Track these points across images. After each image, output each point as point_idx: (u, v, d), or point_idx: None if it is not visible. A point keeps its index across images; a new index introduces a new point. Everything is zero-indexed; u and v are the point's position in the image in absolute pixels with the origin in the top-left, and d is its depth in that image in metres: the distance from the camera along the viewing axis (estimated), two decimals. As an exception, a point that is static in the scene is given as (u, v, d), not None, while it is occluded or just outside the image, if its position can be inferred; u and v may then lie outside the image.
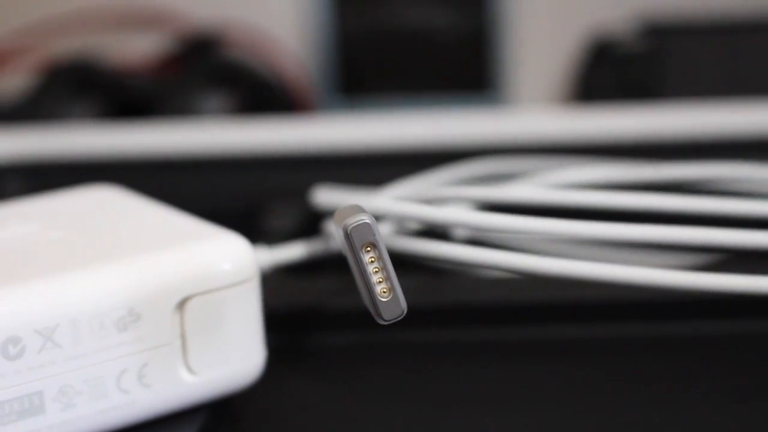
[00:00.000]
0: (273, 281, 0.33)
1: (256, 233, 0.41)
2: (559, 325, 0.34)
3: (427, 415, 0.30)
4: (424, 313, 0.34)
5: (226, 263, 0.28)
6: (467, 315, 0.34)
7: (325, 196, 0.37)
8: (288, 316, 0.34)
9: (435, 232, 0.34)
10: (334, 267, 0.34)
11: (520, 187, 0.35)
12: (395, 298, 0.25)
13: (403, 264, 0.29)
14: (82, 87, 0.78)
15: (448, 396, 0.31)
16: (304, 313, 0.34)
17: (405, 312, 0.25)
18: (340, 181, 0.42)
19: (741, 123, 0.50)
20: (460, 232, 0.36)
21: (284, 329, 0.34)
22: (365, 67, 0.92)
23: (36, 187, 0.43)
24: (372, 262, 0.25)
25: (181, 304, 0.27)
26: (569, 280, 0.29)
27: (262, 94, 0.82)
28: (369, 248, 0.25)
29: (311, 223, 0.40)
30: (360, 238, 0.24)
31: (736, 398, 0.30)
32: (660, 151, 0.48)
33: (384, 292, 0.25)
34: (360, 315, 0.32)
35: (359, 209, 0.25)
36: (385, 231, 0.32)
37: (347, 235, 0.24)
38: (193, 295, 0.27)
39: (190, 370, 0.28)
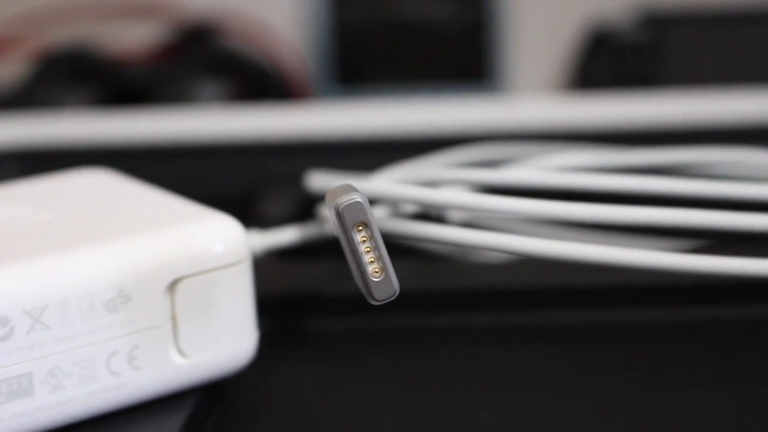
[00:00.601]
0: (266, 265, 0.33)
1: (252, 219, 0.41)
2: (554, 309, 0.34)
3: (421, 401, 0.29)
4: (418, 298, 0.34)
5: (217, 245, 0.27)
6: (462, 300, 0.34)
7: (319, 180, 0.36)
8: (281, 300, 0.34)
9: (430, 215, 0.34)
10: (327, 251, 0.34)
11: (515, 170, 0.35)
12: (387, 278, 0.24)
13: (398, 250, 0.29)
14: (79, 75, 0.78)
15: (442, 381, 0.31)
16: (298, 297, 0.34)
17: (397, 292, 0.25)
18: (336, 167, 0.42)
19: (739, 111, 0.50)
20: (455, 215, 0.36)
21: (277, 314, 0.34)
22: (363, 57, 0.92)
23: (31, 174, 0.43)
24: (364, 241, 0.24)
25: (172, 286, 0.27)
26: (564, 262, 0.29)
27: (258, 83, 0.82)
28: (361, 227, 0.24)
29: (306, 210, 0.40)
30: (351, 217, 0.24)
31: (732, 383, 0.30)
32: (657, 138, 0.48)
33: (376, 272, 0.24)
34: (353, 300, 0.32)
35: (351, 188, 0.25)
36: (380, 214, 0.32)
37: (339, 214, 0.24)
38: (184, 276, 0.27)
39: (181, 352, 0.27)
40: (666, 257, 0.28)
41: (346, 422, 0.29)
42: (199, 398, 0.28)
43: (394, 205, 0.33)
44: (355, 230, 0.24)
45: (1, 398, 0.25)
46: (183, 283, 0.27)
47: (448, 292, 0.34)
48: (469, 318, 0.34)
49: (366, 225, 0.24)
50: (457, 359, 0.32)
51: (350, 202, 0.24)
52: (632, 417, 0.28)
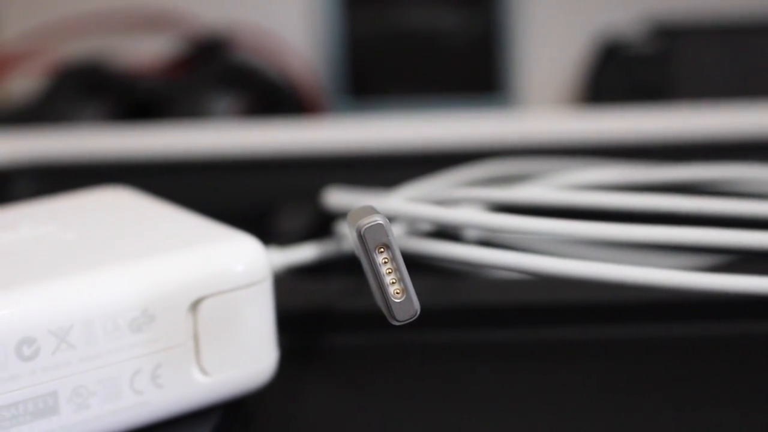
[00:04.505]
0: (285, 282, 0.33)
1: (268, 235, 0.41)
2: (570, 326, 0.34)
3: (439, 416, 0.30)
4: (436, 315, 0.34)
5: (239, 264, 0.28)
6: (479, 316, 0.34)
7: (336, 197, 0.37)
8: (300, 317, 0.34)
9: (446, 233, 0.35)
10: (346, 268, 0.34)
11: (531, 188, 0.35)
12: (408, 298, 0.25)
13: (415, 265, 0.29)
14: (93, 89, 0.78)
15: (460, 397, 0.31)
16: (317, 314, 0.34)
17: (418, 313, 0.25)
18: (351, 182, 0.42)
19: (750, 124, 0.50)
20: (471, 233, 0.36)
21: (297, 330, 0.34)
22: (375, 69, 0.92)
23: (47, 189, 0.43)
24: (385, 262, 0.25)
25: (195, 305, 0.27)
26: (580, 281, 0.29)
27: (271, 96, 0.82)
28: (382, 249, 0.25)
29: (323, 225, 0.40)
30: (373, 238, 0.24)
31: (745, 400, 0.30)
32: (669, 152, 0.48)
33: (397, 292, 0.25)
34: (372, 316, 0.32)
35: (373, 210, 0.25)
36: (396, 232, 0.32)
37: (361, 236, 0.24)
38: (207, 296, 0.27)
39: (203, 370, 0.28)
40: (681, 276, 0.28)
41: (365, 439, 0.29)
42: (221, 415, 0.28)
43: (409, 223, 0.33)
44: (376, 252, 0.25)
45: (27, 417, 0.25)
46: (205, 302, 0.27)
47: (466, 308, 0.34)
48: (485, 334, 0.34)
49: (387, 246, 0.25)
50: (475, 376, 0.32)
51: (372, 224, 0.24)
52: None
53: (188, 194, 0.41)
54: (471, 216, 0.31)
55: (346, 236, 0.34)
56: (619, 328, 0.34)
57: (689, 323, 0.34)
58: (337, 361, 0.33)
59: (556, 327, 0.34)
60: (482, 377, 0.32)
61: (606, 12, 0.89)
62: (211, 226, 0.30)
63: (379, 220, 0.24)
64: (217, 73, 0.81)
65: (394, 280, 0.25)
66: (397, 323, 0.25)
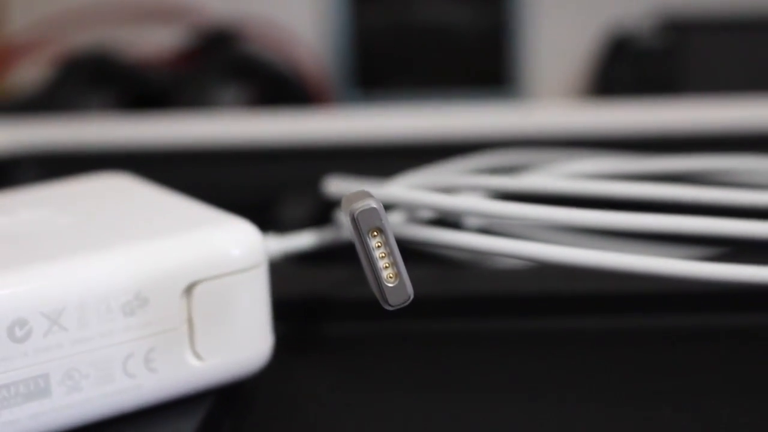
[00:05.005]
0: (283, 269, 0.33)
1: (271, 224, 0.41)
2: (569, 316, 0.34)
3: (436, 406, 0.30)
4: (434, 303, 0.34)
5: (234, 249, 0.28)
6: (478, 305, 0.34)
7: (337, 185, 0.36)
8: (298, 304, 0.34)
9: (447, 221, 0.34)
10: (344, 256, 0.34)
11: (533, 177, 0.35)
12: (401, 283, 0.25)
13: (415, 255, 0.29)
14: (100, 79, 0.78)
15: (457, 386, 0.31)
16: (314, 301, 0.34)
17: (411, 297, 0.25)
18: (356, 173, 0.42)
19: (760, 118, 0.50)
20: (472, 221, 0.36)
21: (294, 318, 0.34)
22: (383, 62, 0.92)
23: (52, 177, 0.43)
24: (378, 247, 0.24)
25: (189, 289, 0.27)
26: (580, 269, 0.29)
27: (279, 87, 0.82)
28: (376, 233, 0.24)
29: (324, 214, 0.40)
30: (366, 222, 0.24)
31: (743, 391, 0.30)
32: (678, 145, 0.48)
33: (390, 277, 0.25)
34: (370, 304, 0.32)
35: (367, 194, 0.25)
36: (397, 219, 0.32)
37: (354, 220, 0.24)
38: (201, 280, 0.27)
39: (196, 355, 0.27)
40: (682, 265, 0.28)
41: (360, 426, 0.29)
42: (215, 401, 0.28)
43: (410, 210, 0.33)
44: (369, 236, 0.24)
45: (19, 399, 0.25)
46: (199, 286, 0.27)
47: (464, 297, 0.34)
48: (484, 324, 0.34)
49: (381, 231, 0.24)
50: (473, 365, 0.32)
51: (365, 207, 0.24)
52: (646, 425, 0.28)
53: (193, 184, 0.41)
54: (472, 203, 0.31)
55: (344, 223, 0.33)
56: (619, 317, 0.33)
57: (691, 313, 0.33)
58: (332, 349, 0.33)
59: (556, 316, 0.34)
60: (481, 366, 0.32)
61: (616, 6, 0.89)
62: (207, 211, 0.30)
63: (372, 203, 0.24)
64: (224, 64, 0.81)
65: (387, 265, 0.25)
66: (390, 308, 0.25)
